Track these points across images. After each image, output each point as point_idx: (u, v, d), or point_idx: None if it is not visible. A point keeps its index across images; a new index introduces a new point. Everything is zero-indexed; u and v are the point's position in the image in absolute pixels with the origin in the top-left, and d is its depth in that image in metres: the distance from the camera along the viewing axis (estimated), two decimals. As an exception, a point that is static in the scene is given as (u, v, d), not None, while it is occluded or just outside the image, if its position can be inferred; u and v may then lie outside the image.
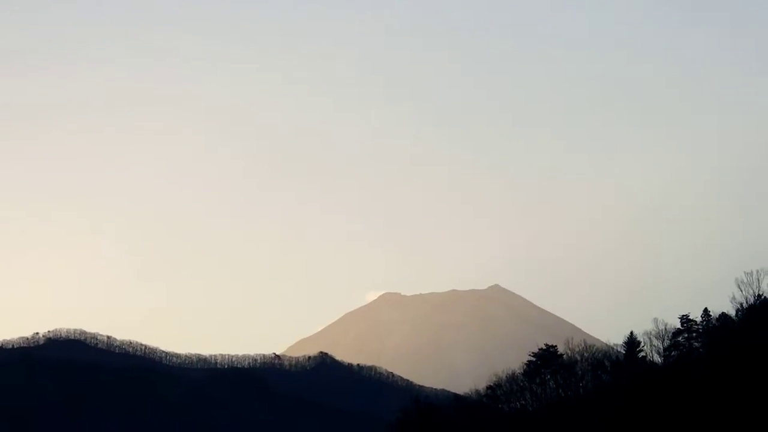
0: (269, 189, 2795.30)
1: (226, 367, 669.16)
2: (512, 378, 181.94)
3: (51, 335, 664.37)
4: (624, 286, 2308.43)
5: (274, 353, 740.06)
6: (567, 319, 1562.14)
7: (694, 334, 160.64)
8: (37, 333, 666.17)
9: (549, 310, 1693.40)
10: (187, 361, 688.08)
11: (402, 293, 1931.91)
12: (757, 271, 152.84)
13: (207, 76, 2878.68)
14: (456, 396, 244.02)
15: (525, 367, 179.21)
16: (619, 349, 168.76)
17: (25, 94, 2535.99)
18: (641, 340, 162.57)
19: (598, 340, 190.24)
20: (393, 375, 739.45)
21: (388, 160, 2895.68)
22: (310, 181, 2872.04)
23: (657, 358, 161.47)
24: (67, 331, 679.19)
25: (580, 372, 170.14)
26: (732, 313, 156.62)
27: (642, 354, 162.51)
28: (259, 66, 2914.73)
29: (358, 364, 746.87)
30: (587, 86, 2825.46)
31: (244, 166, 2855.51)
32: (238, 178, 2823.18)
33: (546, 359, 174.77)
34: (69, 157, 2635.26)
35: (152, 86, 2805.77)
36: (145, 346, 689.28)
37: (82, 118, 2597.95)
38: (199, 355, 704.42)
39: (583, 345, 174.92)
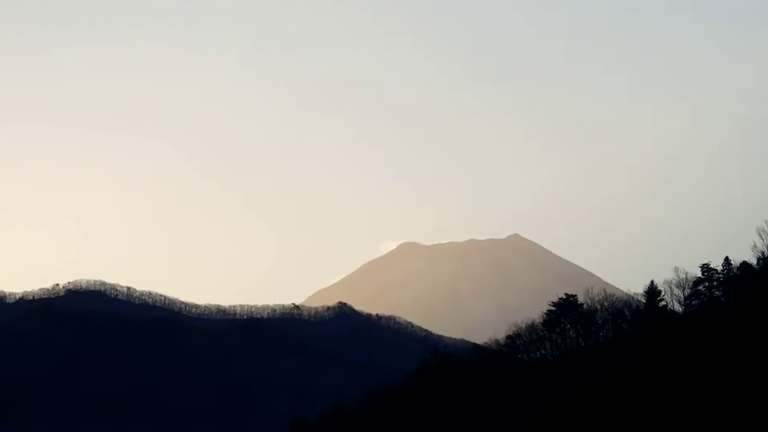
0: (285, 141, 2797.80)
1: (245, 317, 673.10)
2: (532, 328, 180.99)
3: (71, 286, 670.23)
4: (644, 235, 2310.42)
5: (293, 304, 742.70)
6: (586, 269, 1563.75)
7: (715, 283, 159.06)
8: (58, 284, 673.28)
9: (568, 260, 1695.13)
10: (206, 312, 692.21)
11: (420, 243, 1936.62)
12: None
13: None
14: (475, 346, 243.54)
15: (544, 316, 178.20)
16: (639, 299, 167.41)
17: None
18: (662, 289, 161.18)
19: (618, 289, 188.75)
20: (412, 325, 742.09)
21: (406, 109, 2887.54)
22: (327, 133, 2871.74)
23: (678, 307, 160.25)
24: (88, 282, 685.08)
25: (600, 321, 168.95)
26: (753, 261, 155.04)
27: (662, 303, 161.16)
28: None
29: (376, 315, 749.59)
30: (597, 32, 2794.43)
31: (257, 117, 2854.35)
32: (254, 128, 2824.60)
33: (565, 309, 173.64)
34: (88, 100, 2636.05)
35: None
36: (165, 297, 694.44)
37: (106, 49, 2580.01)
38: (219, 306, 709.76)
39: (603, 294, 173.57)
